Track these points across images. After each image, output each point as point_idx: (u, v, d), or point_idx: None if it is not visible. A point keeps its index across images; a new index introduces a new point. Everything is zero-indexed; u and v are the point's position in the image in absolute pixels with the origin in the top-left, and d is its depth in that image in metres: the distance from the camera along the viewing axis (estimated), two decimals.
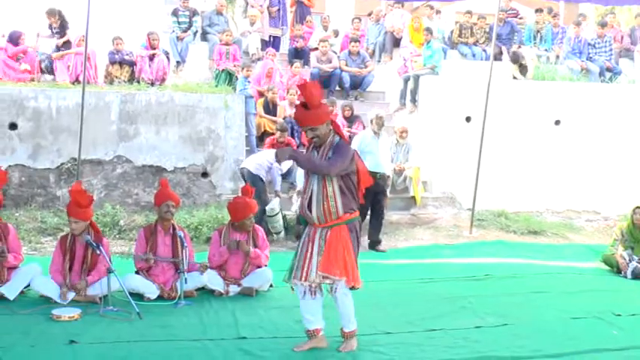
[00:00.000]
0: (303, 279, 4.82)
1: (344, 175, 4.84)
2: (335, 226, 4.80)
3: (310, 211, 4.84)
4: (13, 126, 9.88)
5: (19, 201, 9.77)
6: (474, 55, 13.32)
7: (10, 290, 6.09)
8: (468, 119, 11.41)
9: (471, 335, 5.44)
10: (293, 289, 5.04)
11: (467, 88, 11.38)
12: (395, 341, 5.25)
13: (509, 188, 11.29)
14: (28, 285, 6.22)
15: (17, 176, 9.81)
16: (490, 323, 5.81)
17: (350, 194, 4.87)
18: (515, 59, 12.44)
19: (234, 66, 12.07)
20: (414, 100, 11.98)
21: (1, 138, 9.81)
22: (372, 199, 8.81)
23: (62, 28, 11.44)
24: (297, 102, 5.26)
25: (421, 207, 10.70)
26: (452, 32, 13.92)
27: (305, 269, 4.82)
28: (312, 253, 4.82)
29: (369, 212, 9.10)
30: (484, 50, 13.28)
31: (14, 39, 11.11)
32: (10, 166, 9.70)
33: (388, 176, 9.46)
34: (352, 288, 4.92)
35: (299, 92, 4.98)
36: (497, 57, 12.60)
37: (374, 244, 9.26)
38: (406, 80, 12.22)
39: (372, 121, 9.29)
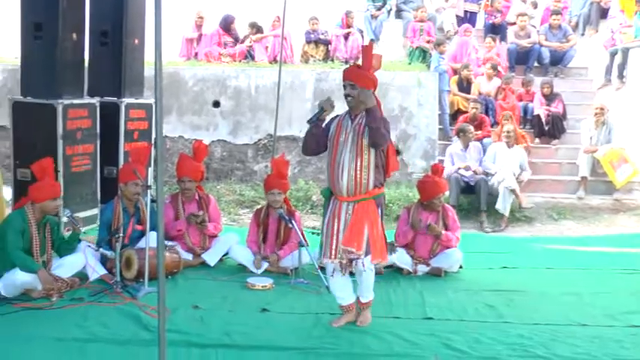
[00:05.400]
0: (332, 256, 4.73)
1: (380, 150, 4.71)
2: (362, 201, 4.66)
3: (340, 182, 4.68)
4: (216, 104, 10.54)
5: (220, 174, 10.41)
6: None
7: (211, 257, 6.52)
8: None
9: None
10: (316, 272, 5.51)
11: None
12: (592, 334, 4.90)
13: None
14: (227, 253, 6.60)
15: (219, 151, 10.46)
16: None
17: (382, 168, 4.75)
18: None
19: (428, 42, 11.90)
20: (621, 76, 11.10)
21: (205, 115, 10.51)
22: None
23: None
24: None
25: (625, 192, 9.86)
26: None
27: (333, 246, 4.72)
28: (338, 229, 4.70)
29: None
30: None
31: (227, 24, 11.76)
32: (213, 141, 10.37)
33: None
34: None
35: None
36: None
37: None
38: (613, 54, 11.34)
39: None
